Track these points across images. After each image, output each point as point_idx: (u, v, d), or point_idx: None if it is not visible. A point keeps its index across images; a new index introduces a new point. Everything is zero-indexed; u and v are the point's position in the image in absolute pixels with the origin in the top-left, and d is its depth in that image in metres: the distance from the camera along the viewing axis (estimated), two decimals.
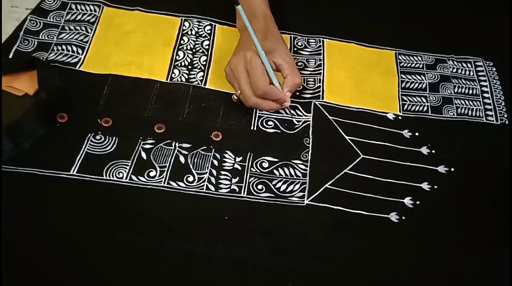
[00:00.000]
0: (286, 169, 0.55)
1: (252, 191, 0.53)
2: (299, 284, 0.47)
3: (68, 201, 0.50)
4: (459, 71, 0.67)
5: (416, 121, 0.61)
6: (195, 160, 0.55)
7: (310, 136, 0.58)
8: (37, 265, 0.46)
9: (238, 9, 0.55)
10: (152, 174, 0.53)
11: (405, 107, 0.63)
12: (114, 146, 0.55)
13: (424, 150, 0.59)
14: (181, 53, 0.64)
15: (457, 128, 0.61)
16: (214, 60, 0.64)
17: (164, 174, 0.53)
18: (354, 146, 0.58)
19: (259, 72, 0.55)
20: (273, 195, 0.53)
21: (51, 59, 0.61)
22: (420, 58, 0.68)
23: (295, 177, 0.55)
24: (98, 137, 0.55)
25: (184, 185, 0.53)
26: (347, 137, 0.59)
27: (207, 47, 0.65)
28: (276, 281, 0.47)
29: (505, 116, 0.63)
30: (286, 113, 0.59)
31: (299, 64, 0.65)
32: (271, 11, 0.63)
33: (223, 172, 0.54)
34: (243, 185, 0.54)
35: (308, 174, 0.55)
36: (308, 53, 0.67)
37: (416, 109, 0.63)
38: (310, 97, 0.62)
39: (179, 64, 0.63)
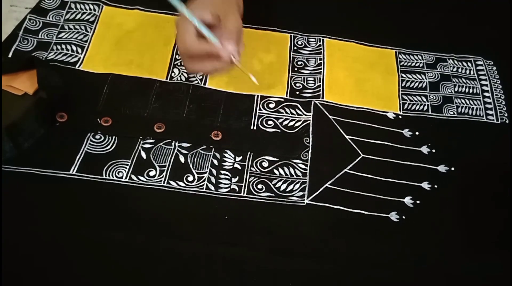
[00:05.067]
0: (286, 169, 0.55)
1: (252, 190, 0.53)
2: (299, 284, 0.47)
3: (68, 200, 0.50)
4: (460, 70, 0.67)
5: (416, 120, 0.61)
6: (195, 159, 0.55)
7: (310, 136, 0.58)
8: (37, 265, 0.46)
9: None
10: (152, 173, 0.53)
11: (406, 106, 0.63)
12: (114, 145, 0.55)
13: (425, 149, 0.59)
14: None
15: (458, 128, 0.61)
16: None
17: (164, 173, 0.53)
18: (354, 146, 0.58)
19: (180, 32, 0.49)
20: (273, 195, 0.53)
21: (51, 58, 0.60)
22: (420, 57, 0.68)
23: (295, 176, 0.55)
24: (97, 137, 0.55)
25: (184, 185, 0.53)
26: (347, 137, 0.59)
27: None
28: (276, 281, 0.47)
29: (506, 115, 0.63)
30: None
31: (299, 63, 0.65)
32: (272, 10, 0.63)
33: (223, 172, 0.54)
34: (243, 184, 0.54)
35: (308, 173, 0.55)
36: (308, 52, 0.66)
37: (417, 108, 0.63)
38: (310, 96, 0.62)
39: (179, 63, 0.63)
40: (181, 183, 0.53)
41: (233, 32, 0.49)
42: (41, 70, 0.57)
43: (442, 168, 0.57)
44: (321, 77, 0.64)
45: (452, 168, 0.57)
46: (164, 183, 0.53)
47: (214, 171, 0.54)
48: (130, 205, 0.51)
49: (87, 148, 0.54)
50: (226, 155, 0.56)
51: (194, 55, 0.50)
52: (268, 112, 0.60)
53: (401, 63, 0.67)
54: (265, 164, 0.55)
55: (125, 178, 0.52)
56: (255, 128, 0.58)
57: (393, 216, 0.53)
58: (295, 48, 0.67)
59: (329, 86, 0.63)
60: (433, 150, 0.59)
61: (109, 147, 0.54)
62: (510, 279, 0.49)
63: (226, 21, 0.49)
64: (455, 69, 0.67)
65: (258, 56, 0.65)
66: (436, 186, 0.56)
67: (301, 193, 0.54)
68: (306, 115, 0.60)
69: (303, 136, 0.58)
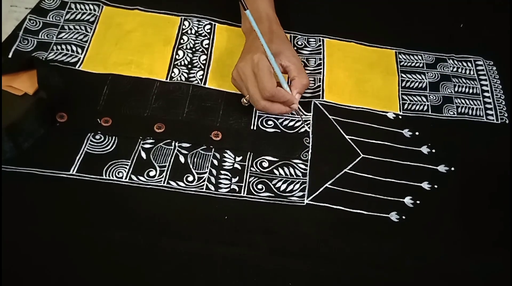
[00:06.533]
0: (286, 169, 0.55)
1: (252, 190, 0.53)
2: (299, 284, 0.47)
3: (68, 201, 0.50)
4: (460, 70, 0.67)
5: (416, 120, 0.61)
6: (195, 159, 0.55)
7: (310, 136, 0.58)
8: (37, 265, 0.46)
9: (246, 14, 0.55)
10: (152, 173, 0.53)
11: (405, 106, 0.63)
12: (114, 145, 0.55)
13: (424, 149, 0.59)
14: (180, 52, 0.64)
15: (458, 128, 0.61)
16: (214, 59, 0.64)
17: (164, 173, 0.53)
18: (354, 146, 0.58)
19: (266, 74, 0.54)
20: (273, 195, 0.53)
21: (51, 58, 0.60)
22: (420, 57, 0.68)
23: (295, 176, 0.55)
24: (97, 137, 0.55)
25: (184, 185, 0.53)
26: (347, 137, 0.59)
27: (206, 46, 0.65)
28: (276, 281, 0.47)
29: (506, 115, 0.63)
30: (293, 114, 0.59)
31: None
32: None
33: (223, 172, 0.54)
34: (243, 184, 0.54)
35: (308, 173, 0.55)
36: (308, 52, 0.67)
37: (416, 109, 0.63)
38: (310, 96, 0.62)
39: (179, 63, 0.63)
40: (181, 183, 0.53)
41: (303, 88, 0.57)
42: (41, 70, 0.57)
43: (442, 168, 0.57)
44: (321, 77, 0.64)
45: (452, 168, 0.57)
46: (164, 183, 0.53)
47: (214, 171, 0.54)
48: (130, 205, 0.51)
49: (87, 148, 0.54)
50: (226, 155, 0.56)
51: (268, 99, 0.55)
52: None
53: (401, 63, 0.67)
54: (265, 164, 0.55)
55: (125, 178, 0.52)
56: (255, 128, 0.58)
57: (393, 216, 0.53)
58: (295, 48, 0.67)
59: (329, 86, 0.63)
60: (433, 150, 0.59)
61: (109, 147, 0.54)
62: (510, 279, 0.49)
63: (301, 78, 0.57)
64: (455, 69, 0.67)
65: None
66: (436, 186, 0.56)
67: (301, 193, 0.54)
68: (306, 115, 0.60)
69: (303, 136, 0.58)
